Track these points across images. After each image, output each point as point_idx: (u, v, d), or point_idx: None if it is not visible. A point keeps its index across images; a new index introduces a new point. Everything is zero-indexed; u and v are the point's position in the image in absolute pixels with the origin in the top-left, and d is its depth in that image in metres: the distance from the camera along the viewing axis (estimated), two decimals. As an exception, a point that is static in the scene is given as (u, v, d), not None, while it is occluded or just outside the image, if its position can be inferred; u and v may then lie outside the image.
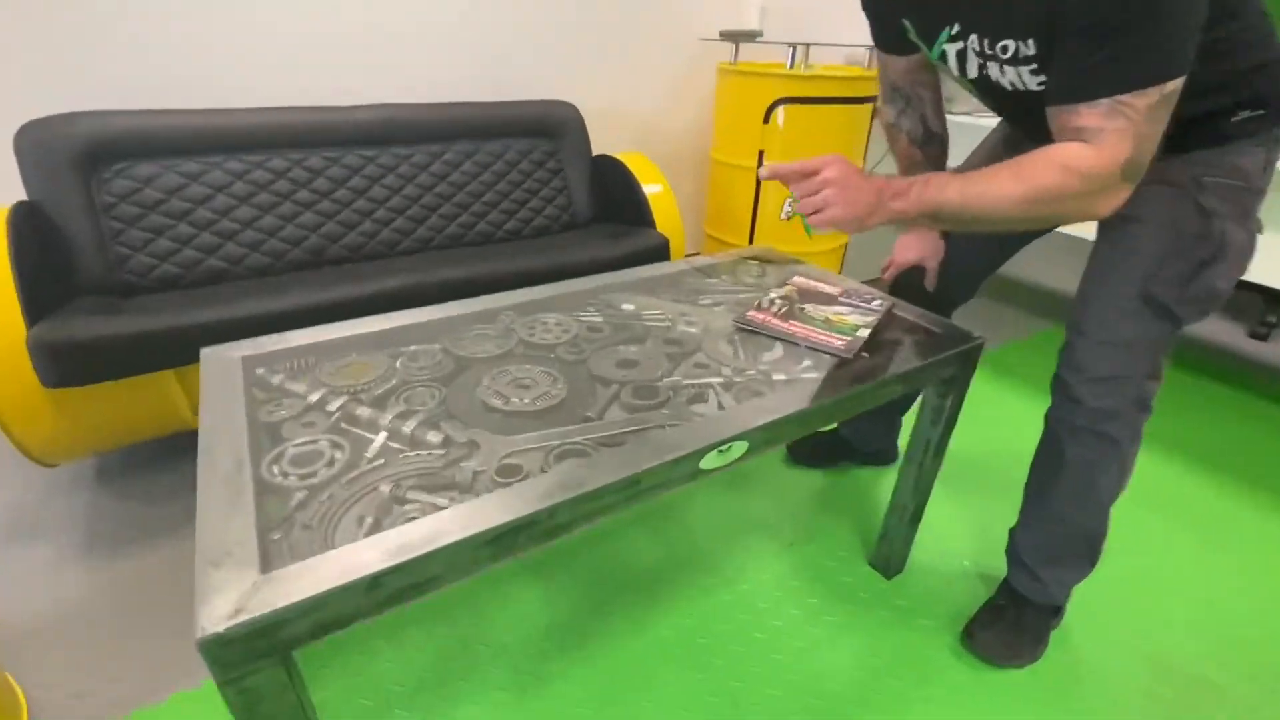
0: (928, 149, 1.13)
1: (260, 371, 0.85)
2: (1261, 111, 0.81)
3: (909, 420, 1.28)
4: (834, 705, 1.00)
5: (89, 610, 1.13)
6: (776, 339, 0.96)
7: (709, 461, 0.72)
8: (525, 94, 2.12)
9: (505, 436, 0.73)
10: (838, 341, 0.93)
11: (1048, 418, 1.00)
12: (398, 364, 0.88)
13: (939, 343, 0.97)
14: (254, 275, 1.57)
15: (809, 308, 1.03)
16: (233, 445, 0.69)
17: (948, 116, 1.14)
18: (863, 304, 1.04)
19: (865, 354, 0.92)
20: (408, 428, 0.74)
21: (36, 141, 1.36)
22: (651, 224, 1.85)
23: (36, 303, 1.16)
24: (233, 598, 0.50)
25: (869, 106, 2.13)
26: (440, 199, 1.83)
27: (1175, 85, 0.70)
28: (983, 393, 1.85)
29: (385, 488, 0.65)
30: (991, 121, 1.24)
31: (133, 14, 1.53)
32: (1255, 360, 2.16)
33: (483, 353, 0.92)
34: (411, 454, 0.70)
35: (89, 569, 1.22)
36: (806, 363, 0.91)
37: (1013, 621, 1.08)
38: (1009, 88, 0.86)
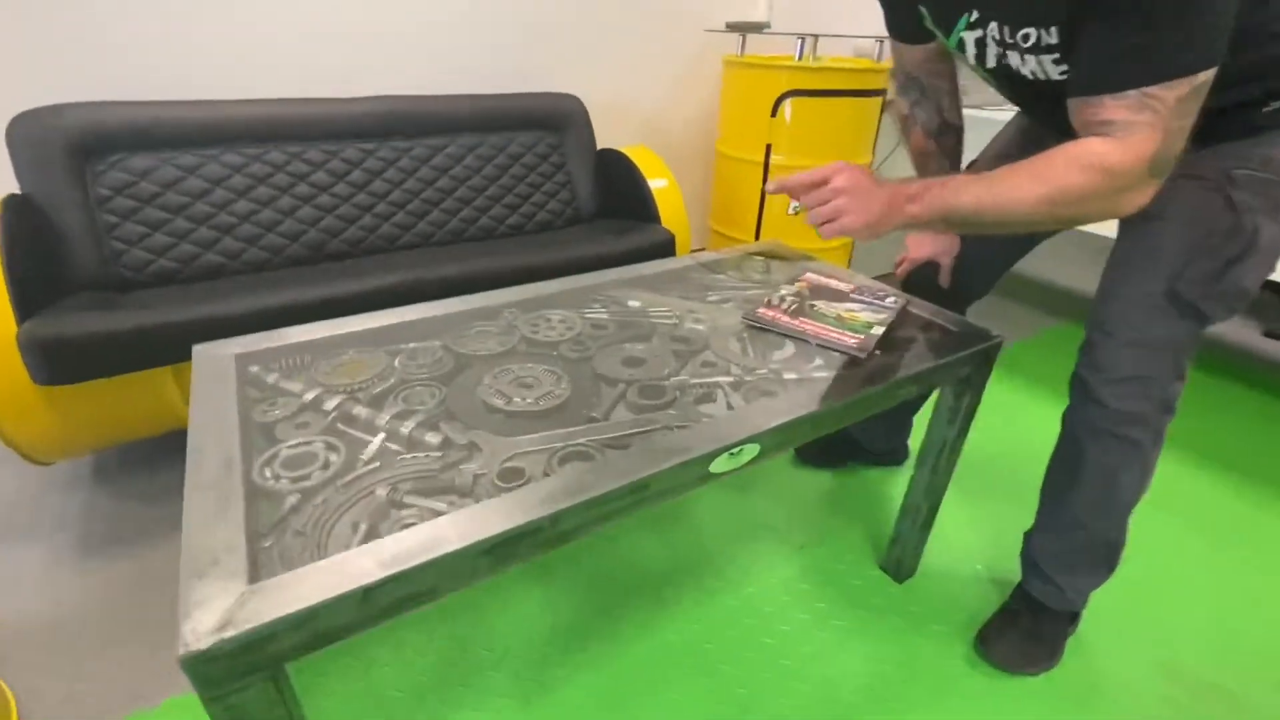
0: (943, 141, 1.09)
1: (254, 369, 0.82)
2: None
3: (920, 420, 1.25)
4: (844, 714, 0.97)
5: (82, 612, 1.11)
6: (787, 337, 0.93)
7: (719, 465, 0.69)
8: (528, 86, 2.09)
9: (507, 438, 0.71)
10: (851, 340, 0.90)
11: (1066, 419, 0.97)
12: (396, 362, 0.85)
13: (955, 341, 0.94)
14: (252, 270, 1.55)
15: (820, 305, 1.00)
16: (223, 446, 0.66)
17: (959, 108, 1.11)
18: (876, 301, 1.01)
19: (879, 353, 0.89)
20: (406, 428, 0.71)
21: (29, 133, 1.33)
22: (657, 219, 1.82)
23: (28, 298, 1.14)
24: (218, 610, 0.47)
25: (879, 100, 2.09)
26: (442, 193, 1.80)
27: (1206, 77, 0.67)
28: (991, 392, 1.82)
29: (381, 492, 0.62)
30: (1003, 115, 1.20)
31: (129, 3, 1.50)
32: (1270, 359, 2.13)
33: (484, 350, 0.89)
34: (409, 456, 0.67)
35: (83, 569, 1.19)
36: (818, 361, 0.88)
37: (1028, 628, 1.05)
38: (1029, 77, 0.83)
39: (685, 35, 2.37)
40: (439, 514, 0.59)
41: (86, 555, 1.22)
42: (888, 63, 2.10)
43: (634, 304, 1.04)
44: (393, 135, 1.75)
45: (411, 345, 0.89)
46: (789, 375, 0.84)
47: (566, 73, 2.17)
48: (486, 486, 0.63)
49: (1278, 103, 0.78)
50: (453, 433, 0.71)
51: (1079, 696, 1.02)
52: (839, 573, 1.22)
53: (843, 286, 1.07)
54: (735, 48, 2.19)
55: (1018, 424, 1.69)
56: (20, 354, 1.07)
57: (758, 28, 2.13)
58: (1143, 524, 0.97)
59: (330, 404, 0.76)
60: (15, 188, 1.34)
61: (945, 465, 1.05)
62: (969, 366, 0.94)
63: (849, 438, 1.47)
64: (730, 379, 0.83)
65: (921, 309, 1.03)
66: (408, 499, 0.61)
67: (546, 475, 0.64)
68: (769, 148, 2.06)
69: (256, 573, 0.52)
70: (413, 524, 0.57)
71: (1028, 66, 0.81)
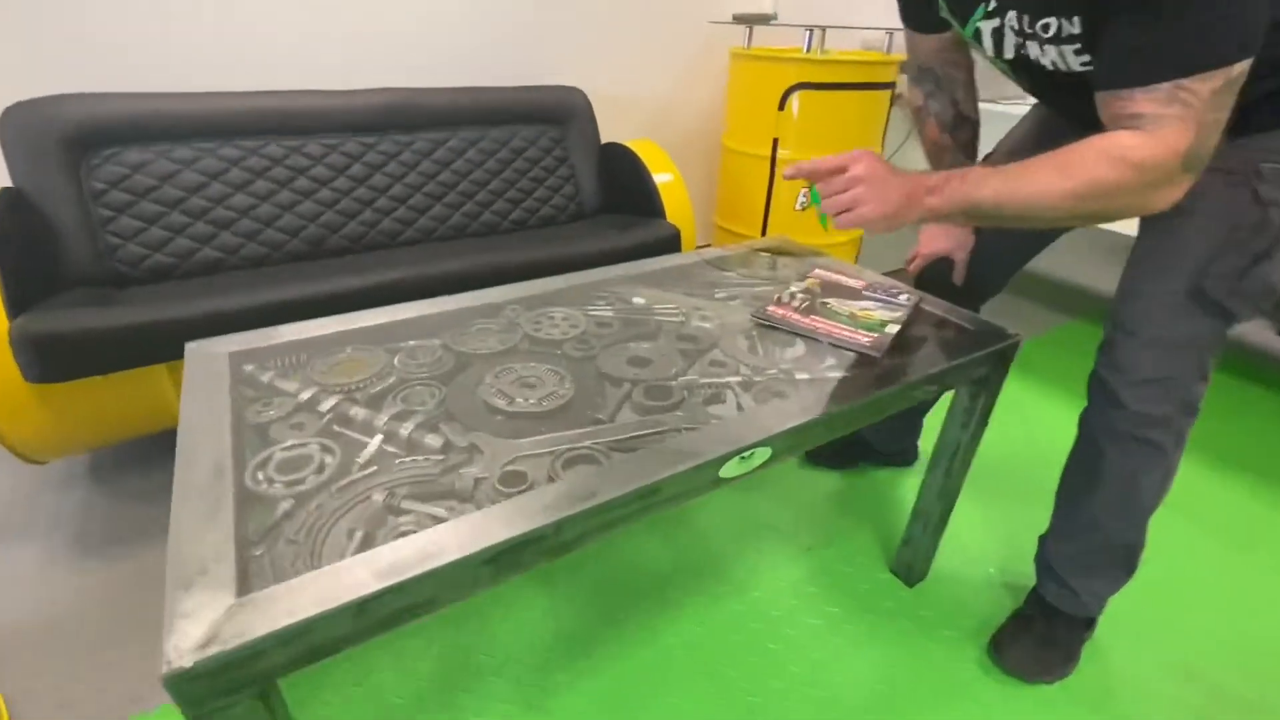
0: (958, 134, 1.06)
1: (249, 368, 0.80)
2: None
3: (932, 421, 1.22)
4: (855, 722, 0.95)
5: (78, 614, 1.09)
6: (798, 335, 0.91)
7: (729, 469, 0.67)
8: (532, 79, 2.05)
9: (509, 440, 0.68)
10: (864, 339, 0.87)
11: (1084, 421, 0.94)
12: (395, 361, 0.83)
13: (972, 340, 0.91)
14: (250, 266, 1.52)
15: (832, 302, 0.97)
16: (214, 449, 0.64)
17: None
18: (889, 298, 0.99)
19: (893, 352, 0.86)
20: (404, 430, 0.69)
21: (22, 125, 1.30)
22: (662, 214, 1.79)
23: (21, 293, 1.11)
24: (204, 624, 0.45)
25: (888, 93, 2.06)
26: (443, 187, 1.77)
27: (1242, 68, 0.64)
28: (1002, 390, 1.79)
29: (379, 497, 0.60)
30: (1016, 109, 1.17)
31: (126, -4, 1.47)
32: (1284, 358, 2.09)
33: (485, 349, 0.86)
34: (408, 459, 0.65)
35: (79, 570, 1.17)
36: (830, 361, 0.85)
37: (1042, 634, 1.03)
38: (1049, 68, 0.80)
39: (691, 27, 2.33)
40: (438, 520, 0.56)
41: (82, 555, 1.20)
42: (897, 55, 2.07)
43: (639, 301, 1.01)
44: (394, 129, 1.72)
45: (411, 343, 0.87)
46: (800, 375, 0.81)
47: (570, 65, 2.13)
48: (488, 491, 0.61)
49: (1308, 94, 0.75)
50: (453, 434, 0.69)
51: (1094, 703, 0.99)
52: (848, 576, 1.19)
53: (854, 283, 1.04)
54: (742, 40, 2.16)
55: (1030, 423, 1.66)
56: (11, 351, 1.05)
57: (765, 19, 2.10)
58: (1158, 526, 0.94)
59: (326, 404, 0.73)
60: (7, 181, 1.31)
61: (959, 468, 1.03)
62: (986, 366, 0.91)
63: (858, 438, 1.44)
64: (739, 379, 0.80)
65: (935, 306, 1.00)
66: (406, 504, 0.59)
67: (550, 480, 0.62)
68: (776, 142, 2.03)
69: (246, 583, 0.49)
70: (411, 531, 0.55)
71: (1048, 57, 0.78)
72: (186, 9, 1.54)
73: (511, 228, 1.88)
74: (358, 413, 0.72)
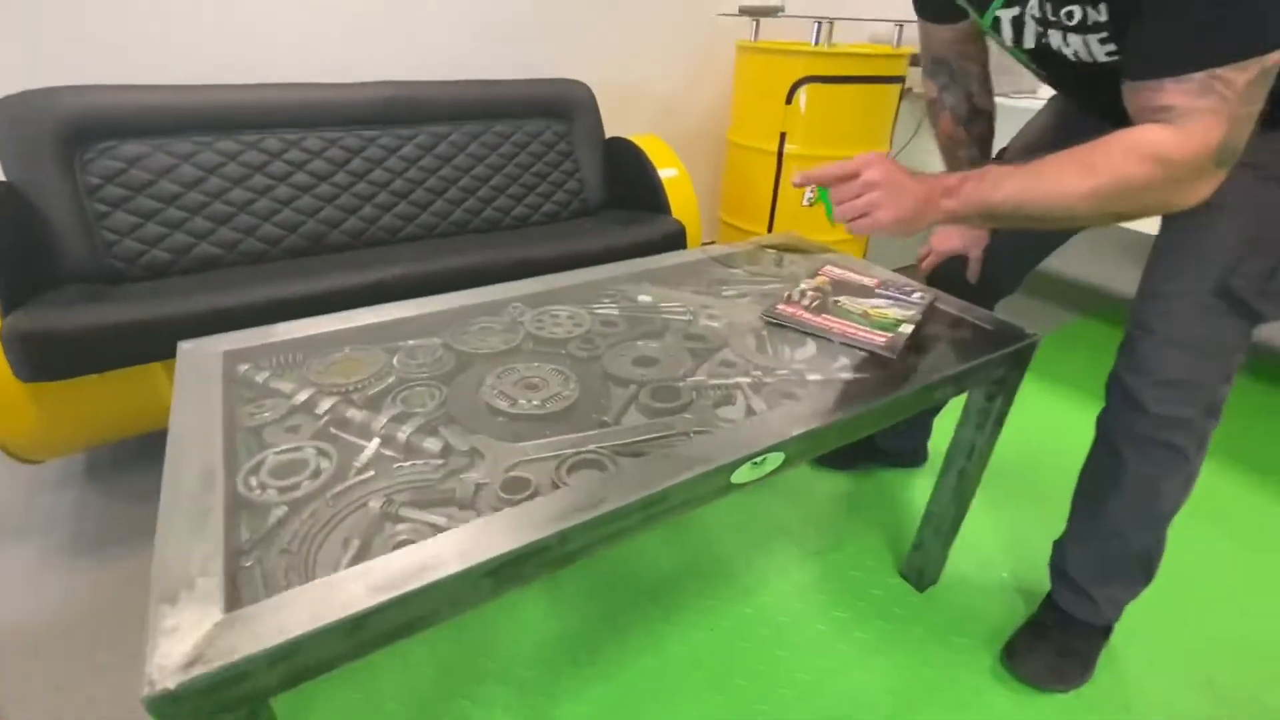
0: (972, 127, 1.03)
1: (244, 368, 0.77)
2: None
3: (943, 422, 1.20)
4: (865, 732, 0.93)
5: (71, 616, 1.07)
6: (809, 335, 0.88)
7: (741, 475, 0.64)
8: (535, 72, 2.02)
9: (511, 444, 0.66)
10: (879, 338, 0.85)
11: (1103, 423, 0.91)
12: (394, 360, 0.80)
13: (989, 340, 0.88)
14: (248, 262, 1.49)
15: (844, 301, 0.94)
16: (204, 453, 0.62)
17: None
18: (902, 297, 0.96)
19: (908, 352, 0.84)
20: (403, 433, 0.66)
21: (14, 119, 1.27)
22: (667, 210, 1.76)
23: (13, 290, 1.09)
24: (189, 642, 0.42)
25: (897, 87, 2.03)
26: (445, 182, 1.75)
27: (1278, 57, 0.61)
28: (1013, 390, 1.76)
29: (375, 504, 0.57)
30: (1030, 103, 1.14)
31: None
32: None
33: (487, 348, 0.84)
34: (406, 464, 0.62)
35: (72, 571, 1.15)
36: (843, 361, 0.82)
37: (1059, 642, 1.00)
38: (1071, 59, 0.77)
39: (697, 20, 2.30)
40: (438, 529, 0.54)
41: (78, 556, 1.18)
42: (906, 48, 2.03)
43: (645, 299, 0.98)
44: (395, 122, 1.69)
45: (410, 342, 0.84)
46: (812, 376, 0.79)
47: (574, 58, 2.10)
48: (489, 498, 0.58)
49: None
50: (453, 438, 0.66)
51: (1111, 714, 0.96)
52: (857, 580, 1.17)
53: (866, 281, 1.01)
54: (749, 33, 2.13)
55: (1044, 423, 1.63)
56: (3, 350, 1.03)
57: (772, 12, 2.06)
58: (1177, 530, 0.92)
59: (323, 406, 0.71)
60: (0, 176, 1.29)
61: (973, 471, 1.00)
62: (1003, 367, 0.88)
63: (868, 439, 1.41)
64: (750, 380, 0.78)
65: (950, 305, 0.98)
66: (404, 512, 0.56)
67: (554, 486, 0.59)
68: (783, 136, 2.00)
69: (235, 597, 0.47)
70: (409, 541, 0.52)
71: (1070, 47, 0.75)
72: (186, 8, 1.52)
73: (514, 223, 1.85)
74: (355, 415, 0.69)
